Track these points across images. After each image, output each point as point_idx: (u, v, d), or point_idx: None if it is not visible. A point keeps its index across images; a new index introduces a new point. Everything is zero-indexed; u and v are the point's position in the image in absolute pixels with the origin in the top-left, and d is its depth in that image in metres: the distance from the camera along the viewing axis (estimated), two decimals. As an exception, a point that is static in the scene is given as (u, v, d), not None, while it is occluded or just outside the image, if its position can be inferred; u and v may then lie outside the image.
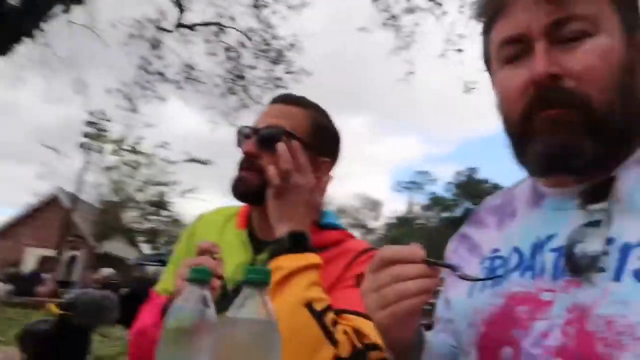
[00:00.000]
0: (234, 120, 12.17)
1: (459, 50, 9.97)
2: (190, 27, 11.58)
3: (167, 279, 1.34)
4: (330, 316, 1.03)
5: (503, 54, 0.78)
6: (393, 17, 10.36)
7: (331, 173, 1.30)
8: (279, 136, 1.18)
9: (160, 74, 11.85)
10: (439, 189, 49.96)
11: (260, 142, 1.20)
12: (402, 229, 45.04)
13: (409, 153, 74.98)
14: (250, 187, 1.20)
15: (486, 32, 0.83)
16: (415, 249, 0.72)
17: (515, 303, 0.75)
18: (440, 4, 9.81)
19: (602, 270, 0.67)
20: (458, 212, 46.67)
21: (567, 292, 0.70)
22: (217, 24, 11.50)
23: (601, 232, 0.69)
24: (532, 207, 0.85)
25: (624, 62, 0.72)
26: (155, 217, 21.39)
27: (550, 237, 0.77)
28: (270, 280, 0.65)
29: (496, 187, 47.18)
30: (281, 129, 1.20)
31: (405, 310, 0.70)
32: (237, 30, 11.47)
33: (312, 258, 1.09)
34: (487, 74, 0.88)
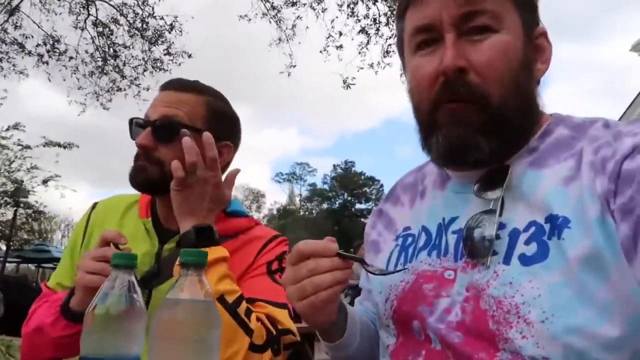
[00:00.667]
0: (106, 103, 11.32)
1: (339, 47, 10.29)
2: (54, -5, 10.45)
3: (61, 273, 1.27)
4: (243, 306, 1.06)
5: (415, 41, 0.83)
6: (274, 8, 10.38)
7: (234, 160, 1.30)
8: (175, 128, 1.16)
9: (19, 44, 10.57)
10: (318, 181, 51.53)
11: (155, 134, 1.16)
12: (285, 220, 45.80)
13: (289, 145, 76.76)
14: (149, 177, 1.16)
15: (400, 17, 0.87)
16: (329, 244, 0.79)
17: (423, 281, 0.83)
18: (320, 0, 10.03)
19: (495, 253, 0.75)
20: (337, 203, 48.62)
21: (465, 272, 0.79)
22: (86, -7, 10.52)
23: (495, 218, 0.77)
24: (438, 189, 0.93)
25: (522, 59, 0.80)
26: (12, 209, 19.01)
27: (453, 220, 0.85)
28: (207, 261, 0.66)
29: (372, 180, 49.92)
30: (176, 121, 1.16)
31: (322, 300, 0.77)
32: (109, 4, 10.62)
33: (219, 251, 1.10)
34: (399, 60, 0.94)
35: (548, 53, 0.86)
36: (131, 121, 1.22)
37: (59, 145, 16.91)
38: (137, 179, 1.17)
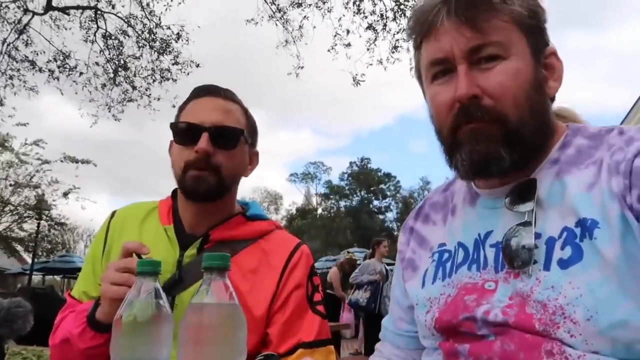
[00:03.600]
0: (118, 114, 11.47)
1: (347, 45, 10.29)
2: (63, 11, 10.61)
3: (85, 282, 1.28)
4: None
5: (431, 72, 0.90)
6: (280, 10, 10.41)
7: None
8: (235, 135, 1.21)
9: (30, 61, 10.75)
10: (334, 179, 51.48)
11: (213, 139, 1.17)
12: (303, 219, 45.88)
13: (304, 146, 77.14)
14: (210, 187, 1.18)
15: (416, 49, 0.94)
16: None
17: (465, 292, 0.87)
18: (325, 0, 10.05)
19: (534, 262, 0.80)
20: (354, 200, 48.61)
21: (507, 282, 0.82)
22: (94, 8, 10.67)
23: (530, 229, 0.82)
24: (469, 205, 0.98)
25: (532, 80, 0.85)
26: (35, 222, 19.38)
27: (488, 234, 0.90)
28: (229, 265, 0.67)
29: (388, 176, 49.72)
30: (240, 129, 1.23)
31: None
32: (117, 16, 10.75)
33: None
34: (419, 85, 1.00)
35: (559, 71, 0.91)
36: (175, 125, 1.23)
37: (77, 161, 17.23)
38: (200, 189, 1.18)
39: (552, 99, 0.92)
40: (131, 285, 0.98)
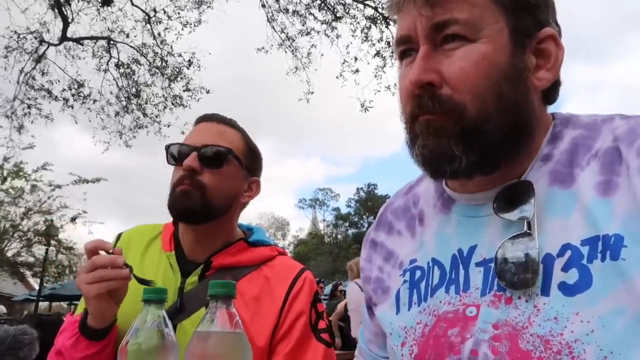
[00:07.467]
0: (129, 141, 11.62)
1: (355, 72, 10.42)
2: (77, 41, 10.88)
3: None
4: None
5: (398, 51, 0.79)
6: (289, 38, 10.63)
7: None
8: (222, 154, 1.21)
9: (46, 90, 10.98)
10: (342, 205, 51.50)
11: (201, 158, 1.19)
12: (310, 245, 45.73)
13: (313, 174, 77.73)
14: (192, 205, 1.17)
15: (395, 22, 0.83)
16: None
17: (447, 325, 0.74)
18: (333, 28, 10.27)
19: (531, 284, 0.67)
20: (362, 227, 48.41)
21: (494, 307, 0.70)
22: (107, 38, 10.93)
23: (526, 244, 0.68)
24: (441, 213, 0.84)
25: (506, 68, 0.71)
26: (44, 247, 19.40)
27: (472, 250, 0.76)
28: (235, 292, 0.67)
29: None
30: (228, 148, 1.23)
31: None
32: (130, 45, 11.00)
33: None
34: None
35: (555, 58, 0.76)
36: (168, 147, 1.26)
37: (87, 181, 17.34)
38: (180, 207, 1.18)
39: (549, 94, 0.78)
40: (106, 280, 1.02)
